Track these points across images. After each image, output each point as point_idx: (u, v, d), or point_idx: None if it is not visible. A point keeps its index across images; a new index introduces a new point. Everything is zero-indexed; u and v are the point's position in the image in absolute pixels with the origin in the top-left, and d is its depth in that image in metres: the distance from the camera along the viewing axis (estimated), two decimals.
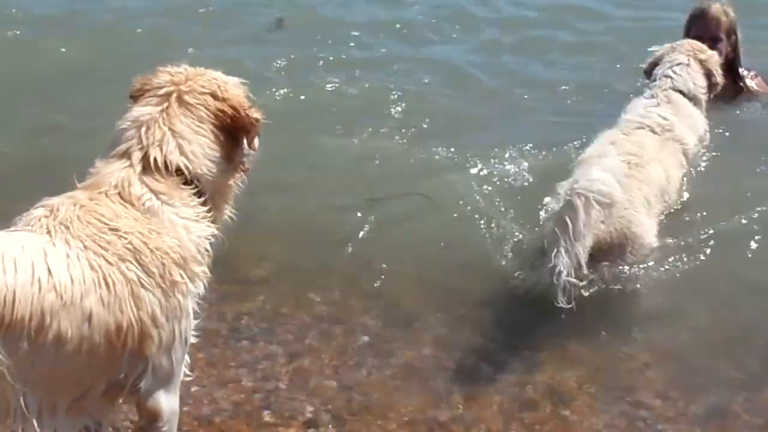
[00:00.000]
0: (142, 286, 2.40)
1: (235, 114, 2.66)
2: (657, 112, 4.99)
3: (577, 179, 3.96)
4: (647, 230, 4.35)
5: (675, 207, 4.86)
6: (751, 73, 6.24)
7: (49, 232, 2.36)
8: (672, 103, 5.10)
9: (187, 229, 2.55)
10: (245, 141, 2.76)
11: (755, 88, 6.19)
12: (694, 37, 5.74)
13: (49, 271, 2.24)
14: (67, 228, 2.37)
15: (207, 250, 2.62)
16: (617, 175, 4.00)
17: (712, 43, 5.74)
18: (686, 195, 5.02)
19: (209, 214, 2.64)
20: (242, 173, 2.84)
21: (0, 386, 2.17)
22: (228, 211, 2.80)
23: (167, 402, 2.58)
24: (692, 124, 5.10)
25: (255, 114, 2.73)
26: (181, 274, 2.49)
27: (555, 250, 3.77)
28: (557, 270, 3.75)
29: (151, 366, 2.49)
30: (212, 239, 2.64)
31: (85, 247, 2.35)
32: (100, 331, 2.33)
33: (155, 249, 2.44)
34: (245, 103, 2.72)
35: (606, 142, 4.71)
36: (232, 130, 2.68)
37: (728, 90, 5.88)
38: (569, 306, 3.84)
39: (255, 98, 2.81)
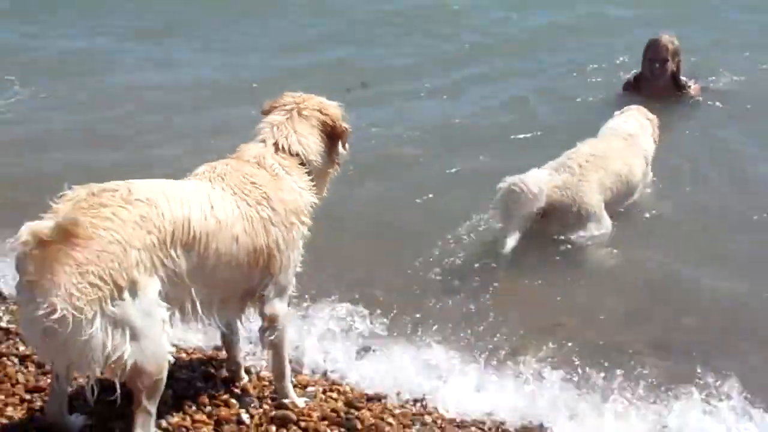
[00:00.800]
0: (271, 222, 3.43)
1: (334, 124, 3.82)
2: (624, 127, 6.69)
3: (515, 176, 5.50)
4: (592, 198, 5.83)
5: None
6: (691, 81, 8.83)
7: (210, 181, 3.40)
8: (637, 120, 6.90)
9: (300, 192, 3.62)
10: (340, 144, 3.88)
11: (692, 93, 8.76)
12: (649, 59, 8.54)
13: (211, 206, 3.22)
14: (222, 179, 3.41)
15: (312, 209, 3.68)
16: (543, 179, 5.64)
17: (662, 63, 8.45)
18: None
19: (314, 188, 3.71)
20: (337, 166, 3.96)
21: (181, 283, 3.10)
22: (325, 191, 3.92)
23: (282, 307, 3.58)
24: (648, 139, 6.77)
25: (346, 125, 3.88)
26: (295, 219, 3.54)
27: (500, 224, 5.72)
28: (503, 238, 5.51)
29: (274, 280, 3.50)
30: (314, 205, 3.71)
31: (234, 192, 3.37)
32: (243, 251, 3.33)
33: (280, 199, 3.49)
34: (340, 118, 3.87)
35: (585, 144, 6.34)
36: (331, 135, 3.83)
37: (674, 95, 8.66)
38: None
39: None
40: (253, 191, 3.41)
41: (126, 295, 2.84)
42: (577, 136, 6.47)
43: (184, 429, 3.49)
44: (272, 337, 3.56)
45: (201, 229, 3.14)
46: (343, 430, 3.58)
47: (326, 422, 3.62)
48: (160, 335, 2.99)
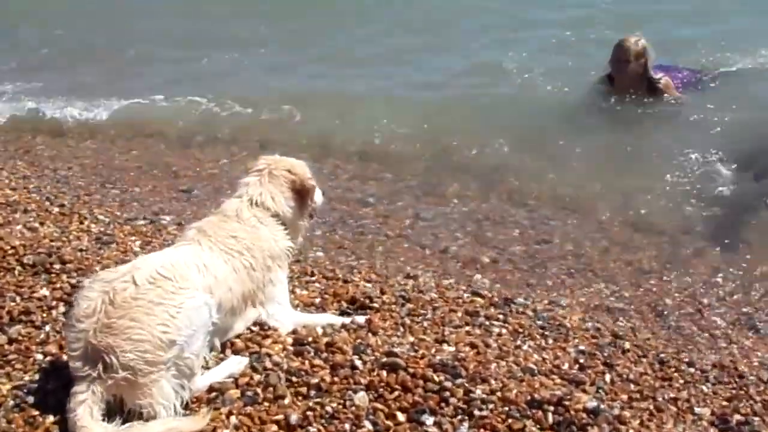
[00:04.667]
0: (253, 268, 4.04)
1: (302, 183, 4.36)
2: None
3: None
4: None
5: None
6: (660, 74, 9.25)
7: (200, 243, 3.97)
8: None
9: (275, 239, 4.22)
10: (309, 198, 4.42)
11: (662, 85, 9.20)
12: (613, 60, 9.16)
13: (205, 265, 3.81)
14: (209, 238, 4.00)
15: (288, 252, 4.32)
16: None
17: (625, 64, 9.05)
18: None
19: (289, 235, 4.30)
20: (311, 217, 4.62)
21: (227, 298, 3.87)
22: (300, 238, 4.50)
23: (283, 317, 4.25)
24: None
25: (312, 182, 4.44)
26: (271, 263, 4.17)
27: None
28: None
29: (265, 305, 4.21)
30: (290, 249, 4.34)
31: (220, 249, 3.96)
32: (236, 294, 3.96)
33: (259, 248, 4.10)
34: (307, 176, 4.41)
35: None
36: (299, 192, 4.36)
37: (643, 91, 9.23)
38: None
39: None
40: (236, 244, 4.01)
41: None
42: None
43: (303, 372, 3.83)
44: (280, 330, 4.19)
45: (202, 284, 3.71)
46: (448, 376, 3.81)
47: (432, 369, 3.87)
48: None
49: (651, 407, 4.03)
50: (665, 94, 9.26)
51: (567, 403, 3.60)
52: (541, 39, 12.04)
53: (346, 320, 4.43)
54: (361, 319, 4.45)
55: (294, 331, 4.21)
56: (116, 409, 3.34)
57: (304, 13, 13.35)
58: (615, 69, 9.23)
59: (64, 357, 3.83)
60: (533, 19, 12.91)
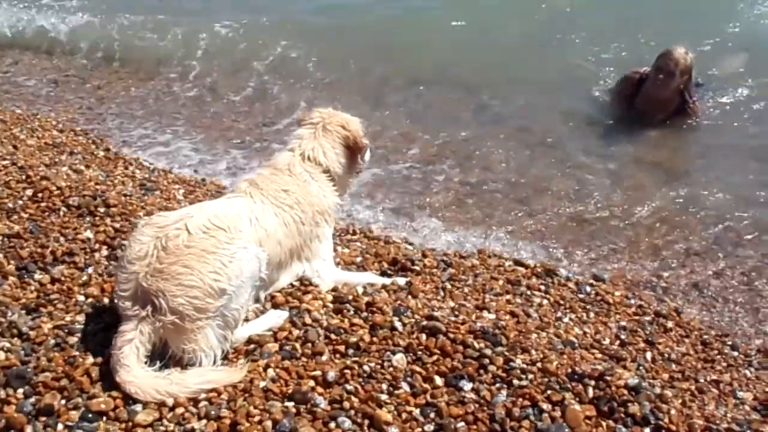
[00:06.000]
0: (302, 223, 4.05)
1: (355, 140, 4.36)
2: None
3: None
4: None
5: None
6: (695, 98, 8.23)
7: (251, 196, 3.96)
8: None
9: (324, 195, 4.22)
10: (359, 156, 4.45)
11: (690, 110, 8.18)
12: (656, 68, 7.97)
13: (257, 218, 3.82)
14: (261, 192, 3.99)
15: (336, 208, 4.35)
16: None
17: (668, 76, 7.85)
18: None
19: (337, 192, 4.32)
20: (357, 173, 4.71)
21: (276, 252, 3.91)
22: (346, 193, 4.58)
23: (325, 273, 4.24)
24: None
25: (365, 141, 4.45)
26: (320, 219, 4.18)
27: None
28: None
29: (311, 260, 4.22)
30: (338, 205, 4.38)
31: (271, 202, 3.97)
32: (284, 249, 3.99)
33: (309, 202, 4.11)
34: (361, 134, 4.41)
35: None
36: (352, 149, 4.38)
37: (671, 111, 8.17)
38: None
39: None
40: (286, 198, 4.02)
41: None
42: None
43: (342, 330, 3.80)
44: (321, 286, 4.18)
45: (254, 237, 3.73)
46: (488, 343, 3.76)
47: (473, 335, 3.82)
48: None
49: (692, 388, 3.97)
50: (689, 120, 8.25)
51: (608, 378, 3.53)
52: None
53: (387, 281, 4.40)
54: (402, 281, 4.42)
55: (335, 289, 4.19)
56: (158, 354, 3.36)
57: None
58: (657, 82, 7.99)
59: (106, 300, 3.87)
60: None
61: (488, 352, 3.68)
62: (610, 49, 10.07)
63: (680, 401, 3.64)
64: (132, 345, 3.28)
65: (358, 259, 4.71)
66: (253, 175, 4.16)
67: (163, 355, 3.38)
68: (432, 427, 3.26)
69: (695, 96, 8.26)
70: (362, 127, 4.47)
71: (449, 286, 4.59)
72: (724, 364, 4.35)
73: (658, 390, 3.55)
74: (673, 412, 3.39)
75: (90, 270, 4.15)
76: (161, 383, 3.24)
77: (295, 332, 3.76)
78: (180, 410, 3.20)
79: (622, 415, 3.35)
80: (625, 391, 3.47)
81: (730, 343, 4.63)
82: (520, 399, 3.41)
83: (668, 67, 7.87)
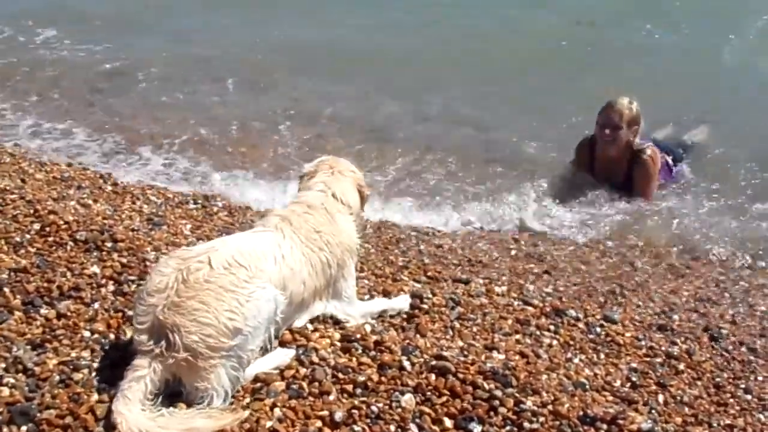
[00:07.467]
0: (329, 265, 4.04)
1: (362, 186, 4.51)
2: None
3: None
4: None
5: None
6: (648, 143, 7.62)
7: (282, 232, 3.93)
8: None
9: (351, 234, 4.25)
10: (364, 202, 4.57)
11: (647, 157, 7.51)
12: (601, 124, 7.42)
13: (283, 256, 3.78)
14: (292, 229, 3.96)
15: (359, 247, 4.36)
16: None
17: (614, 130, 7.35)
18: None
19: (358, 232, 4.35)
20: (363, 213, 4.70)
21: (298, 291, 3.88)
22: (362, 232, 4.55)
23: (351, 310, 4.24)
24: None
25: (367, 189, 4.62)
26: (348, 257, 4.18)
27: None
28: None
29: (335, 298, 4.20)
30: (360, 244, 4.40)
31: (301, 241, 3.93)
32: (308, 290, 3.96)
33: (338, 243, 4.10)
34: (364, 181, 4.59)
35: None
36: (360, 193, 4.47)
37: (624, 167, 7.60)
38: None
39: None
40: (318, 240, 4.01)
41: None
42: None
43: (350, 369, 3.75)
44: (351, 323, 4.21)
45: (278, 275, 3.71)
46: (498, 384, 3.71)
47: (482, 376, 3.76)
48: None
49: None
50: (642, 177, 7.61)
51: (621, 422, 3.48)
52: None
53: (400, 306, 4.54)
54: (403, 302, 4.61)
55: (342, 327, 4.15)
56: (162, 391, 3.32)
57: None
58: (600, 135, 7.50)
59: (111, 336, 3.83)
60: None
61: (498, 393, 3.63)
62: None
63: None
64: (142, 382, 3.24)
65: (366, 297, 4.67)
66: (285, 212, 4.15)
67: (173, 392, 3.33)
68: None
69: (646, 143, 7.69)
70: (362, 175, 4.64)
71: (458, 325, 4.54)
72: (738, 408, 4.27)
73: None
74: None
75: (96, 305, 4.11)
76: (145, 424, 3.15)
77: (302, 371, 3.70)
78: None
79: None
80: None
81: (743, 386, 4.55)
82: None
83: (612, 122, 7.40)
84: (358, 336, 4.04)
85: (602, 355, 4.56)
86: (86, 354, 3.69)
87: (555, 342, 4.59)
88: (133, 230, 5.18)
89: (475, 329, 4.55)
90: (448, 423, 3.46)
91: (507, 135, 9.66)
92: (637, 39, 12.98)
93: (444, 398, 3.59)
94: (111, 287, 4.30)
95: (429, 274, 5.32)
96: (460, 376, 3.72)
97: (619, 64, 11.75)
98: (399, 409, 3.50)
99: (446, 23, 14.07)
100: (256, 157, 8.93)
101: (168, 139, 9.20)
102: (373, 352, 3.92)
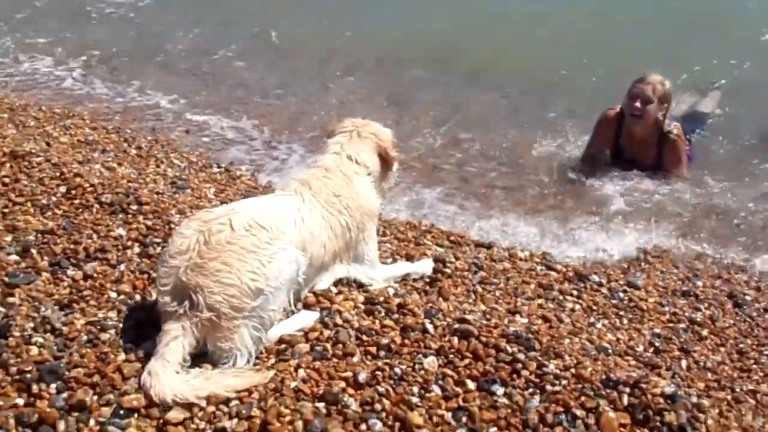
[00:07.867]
0: (348, 228, 4.03)
1: (387, 150, 4.35)
2: None
3: None
4: None
5: None
6: (674, 124, 7.30)
7: (302, 196, 3.93)
8: None
9: (370, 196, 4.19)
10: (390, 167, 4.42)
11: (674, 136, 7.23)
12: (632, 95, 7.16)
13: (303, 219, 3.78)
14: (312, 193, 3.96)
15: (379, 209, 4.35)
16: None
17: (645, 104, 7.08)
18: None
19: (378, 194, 4.28)
20: (391, 179, 4.53)
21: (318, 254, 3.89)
22: (384, 196, 4.53)
23: (374, 273, 4.27)
24: None
25: (394, 154, 4.42)
26: (367, 221, 4.15)
27: None
28: None
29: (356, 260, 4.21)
30: (381, 205, 4.37)
31: (321, 205, 3.94)
32: (328, 253, 3.96)
33: (358, 206, 4.07)
34: (391, 146, 4.39)
35: None
36: (383, 158, 4.34)
37: (653, 147, 7.31)
38: None
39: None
40: (337, 203, 4.00)
41: None
42: None
43: (373, 331, 3.77)
44: (374, 286, 4.24)
45: (299, 238, 3.71)
46: (521, 348, 3.72)
47: (505, 339, 3.77)
48: None
49: (729, 398, 3.88)
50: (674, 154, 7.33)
51: (644, 385, 3.46)
52: None
53: (423, 269, 4.57)
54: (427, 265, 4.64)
55: (366, 290, 4.16)
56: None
57: None
58: (634, 110, 7.16)
59: (137, 297, 3.87)
60: None
61: (521, 356, 3.63)
62: None
63: (717, 411, 3.56)
64: (180, 344, 3.28)
65: (389, 261, 4.68)
66: (305, 175, 4.14)
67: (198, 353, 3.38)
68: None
69: (673, 124, 7.35)
70: (392, 139, 4.45)
71: (480, 289, 4.55)
72: (761, 374, 4.26)
73: (694, 399, 3.47)
74: (710, 422, 3.32)
75: (122, 267, 4.15)
76: (179, 387, 3.19)
77: (326, 333, 3.73)
78: (211, 408, 3.18)
79: (658, 423, 3.28)
80: (661, 400, 3.39)
81: (767, 352, 4.53)
82: (554, 405, 3.35)
83: (645, 95, 7.11)
84: (382, 299, 4.06)
85: (625, 321, 4.56)
86: (113, 314, 3.73)
87: (578, 307, 4.59)
88: (157, 193, 5.21)
89: (497, 293, 4.56)
90: (471, 385, 3.46)
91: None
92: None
93: (467, 361, 3.60)
94: (137, 249, 4.34)
95: (452, 238, 5.32)
96: (483, 339, 3.72)
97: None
98: (422, 371, 3.51)
99: None
100: None
101: None
102: (396, 315, 3.93)
